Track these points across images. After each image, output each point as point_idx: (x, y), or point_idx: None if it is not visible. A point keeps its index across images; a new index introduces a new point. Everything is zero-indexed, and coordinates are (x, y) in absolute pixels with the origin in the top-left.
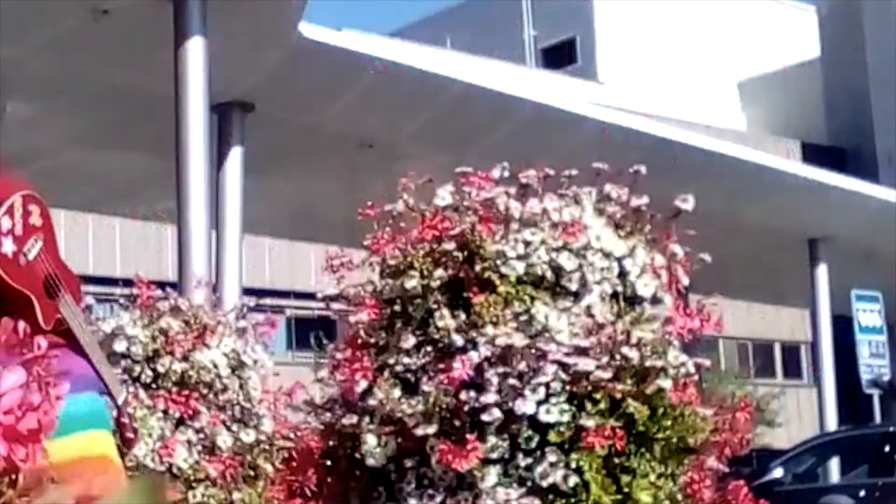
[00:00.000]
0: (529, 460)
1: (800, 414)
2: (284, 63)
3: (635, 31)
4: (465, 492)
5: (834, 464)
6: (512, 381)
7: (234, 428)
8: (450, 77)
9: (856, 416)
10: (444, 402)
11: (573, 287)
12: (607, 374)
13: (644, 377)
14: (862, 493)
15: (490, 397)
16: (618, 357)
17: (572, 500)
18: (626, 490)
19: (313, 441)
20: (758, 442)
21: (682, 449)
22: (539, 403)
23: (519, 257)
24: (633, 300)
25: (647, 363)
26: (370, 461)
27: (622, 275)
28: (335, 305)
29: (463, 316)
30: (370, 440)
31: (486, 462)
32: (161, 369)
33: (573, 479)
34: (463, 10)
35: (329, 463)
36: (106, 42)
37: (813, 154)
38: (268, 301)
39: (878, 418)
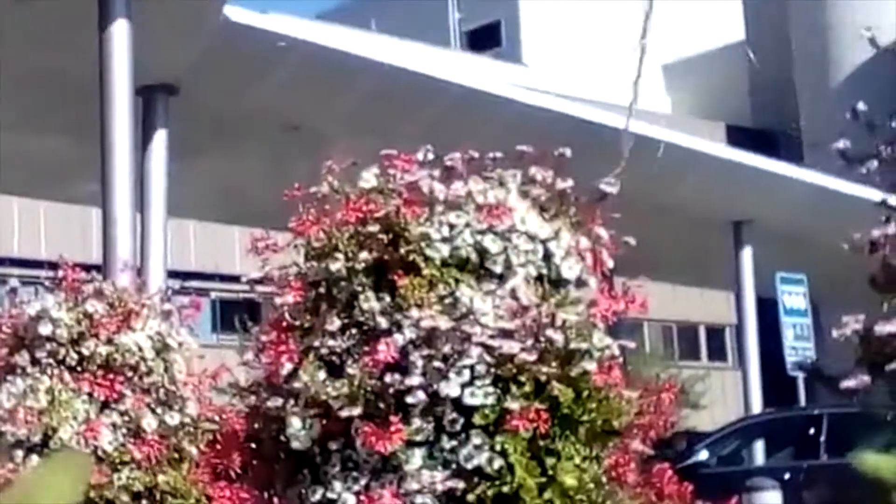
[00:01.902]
0: (454, 443)
1: (724, 396)
2: (209, 46)
3: (559, 14)
4: (390, 474)
5: (759, 446)
6: (437, 363)
7: (159, 410)
8: (374, 60)
9: (780, 399)
10: (369, 385)
11: (498, 270)
12: (532, 357)
13: (569, 360)
14: (787, 476)
15: (415, 380)
16: (542, 340)
17: (497, 482)
18: (550, 472)
19: (238, 424)
20: (682, 424)
21: (607, 432)
22: (464, 386)
23: (443, 240)
24: (557, 283)
25: (572, 346)
26: (295, 444)
27: (547, 257)
28: (260, 288)
29: (388, 298)
30: (295, 423)
31: (410, 444)
32: (86, 352)
33: (498, 462)
34: None
35: (254, 446)
36: (29, 25)
37: (738, 137)
38: (193, 283)
39: (802, 401)
